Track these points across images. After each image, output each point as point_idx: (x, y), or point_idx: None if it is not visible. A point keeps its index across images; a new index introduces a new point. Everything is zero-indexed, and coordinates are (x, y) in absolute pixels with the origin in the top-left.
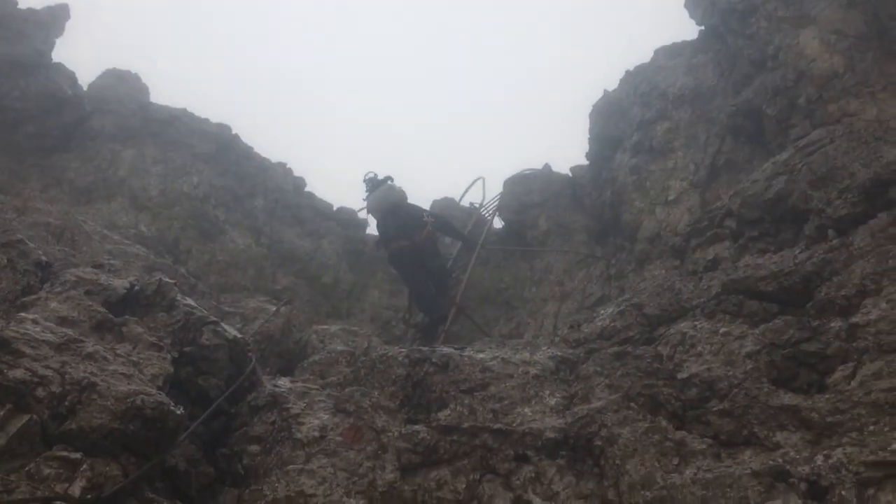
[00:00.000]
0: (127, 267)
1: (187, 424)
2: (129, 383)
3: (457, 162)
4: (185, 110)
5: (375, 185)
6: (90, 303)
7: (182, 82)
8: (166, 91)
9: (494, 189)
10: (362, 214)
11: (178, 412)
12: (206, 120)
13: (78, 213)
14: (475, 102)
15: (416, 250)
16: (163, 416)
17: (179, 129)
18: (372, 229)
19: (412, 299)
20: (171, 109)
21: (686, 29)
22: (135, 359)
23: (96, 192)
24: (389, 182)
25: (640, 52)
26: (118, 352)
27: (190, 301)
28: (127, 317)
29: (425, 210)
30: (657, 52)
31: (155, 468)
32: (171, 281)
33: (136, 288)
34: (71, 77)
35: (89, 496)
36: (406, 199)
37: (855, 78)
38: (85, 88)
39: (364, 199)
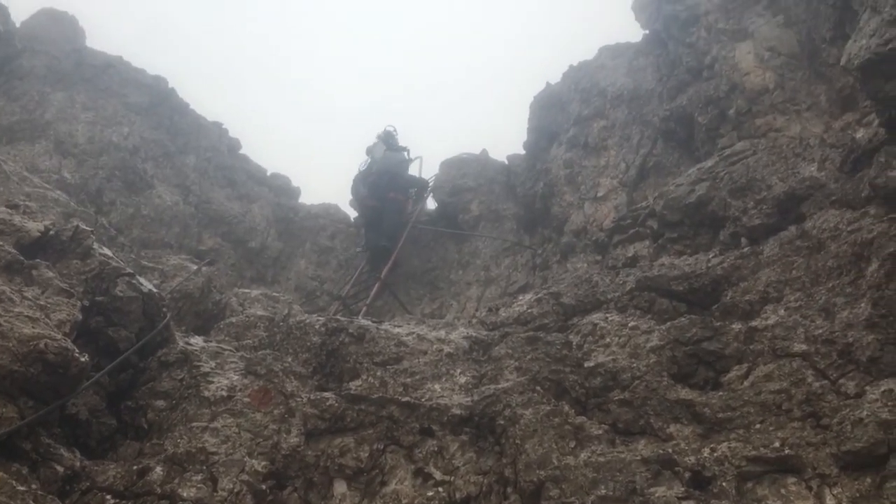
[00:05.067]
0: (44, 211)
1: (92, 374)
2: (33, 326)
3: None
4: (120, 58)
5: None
6: (1, 242)
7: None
8: (106, 39)
9: (431, 170)
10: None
11: (83, 359)
12: (143, 70)
13: None
14: (424, 84)
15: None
16: (66, 361)
17: (113, 78)
18: (304, 199)
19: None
20: (106, 56)
21: (632, 30)
22: (42, 303)
23: (20, 132)
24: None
25: (588, 49)
26: (25, 294)
27: (107, 251)
28: (38, 260)
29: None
30: (601, 50)
31: (53, 413)
32: (88, 228)
33: (52, 232)
34: (2, 12)
35: None
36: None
37: (783, 95)
38: (17, 25)
39: (368, 152)
